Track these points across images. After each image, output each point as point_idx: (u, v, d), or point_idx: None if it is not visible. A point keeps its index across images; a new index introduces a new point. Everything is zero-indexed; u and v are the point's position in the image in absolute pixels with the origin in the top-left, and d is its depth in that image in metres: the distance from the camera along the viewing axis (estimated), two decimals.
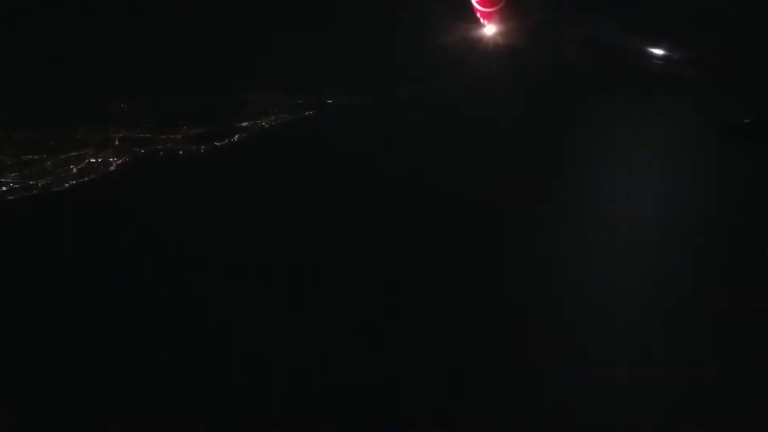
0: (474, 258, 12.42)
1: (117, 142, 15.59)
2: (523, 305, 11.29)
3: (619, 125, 13.49)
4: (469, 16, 10.88)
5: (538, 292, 11.51)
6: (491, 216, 13.18)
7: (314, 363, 10.27)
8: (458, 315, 11.22)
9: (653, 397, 9.44)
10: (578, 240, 12.33)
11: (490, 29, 10.99)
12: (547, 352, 10.35)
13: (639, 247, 12.04)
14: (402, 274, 12.19)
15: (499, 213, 13.21)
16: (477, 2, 10.44)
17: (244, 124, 16.57)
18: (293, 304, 11.65)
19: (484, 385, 9.84)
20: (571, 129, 14.02)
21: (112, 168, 15.81)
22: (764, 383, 9.33)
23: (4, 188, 14.40)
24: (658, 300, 11.06)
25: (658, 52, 10.52)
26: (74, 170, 15.62)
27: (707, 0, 9.52)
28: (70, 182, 15.17)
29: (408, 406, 9.47)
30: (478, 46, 11.02)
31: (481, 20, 10.85)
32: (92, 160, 15.84)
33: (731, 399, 9.27)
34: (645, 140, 13.23)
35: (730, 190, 12.44)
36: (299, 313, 11.36)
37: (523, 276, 11.95)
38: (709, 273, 11.41)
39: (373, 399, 9.62)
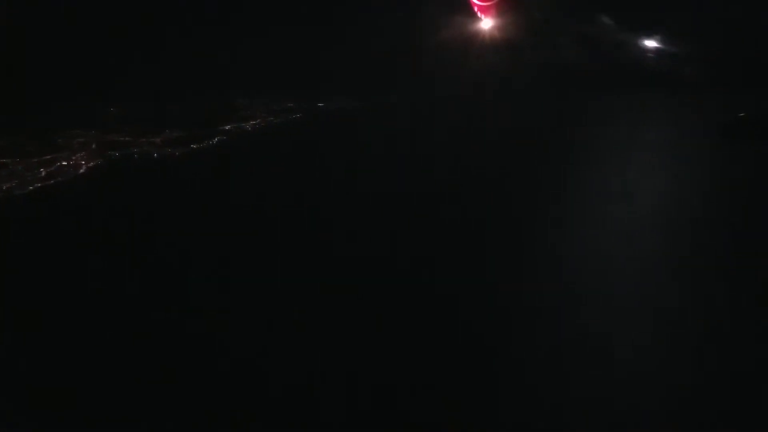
0: (473, 259, 12.82)
1: (94, 146, 15.99)
2: (523, 305, 11.66)
3: (617, 122, 14.24)
4: (467, 11, 11.73)
5: (536, 292, 11.90)
6: (489, 215, 13.67)
7: (308, 367, 10.45)
8: (457, 316, 11.53)
9: (653, 398, 9.80)
10: (576, 238, 12.83)
11: (487, 24, 11.83)
12: (546, 352, 10.68)
13: (637, 245, 12.56)
14: (400, 275, 12.52)
15: (497, 212, 13.71)
16: None
17: (227, 127, 17.10)
18: (278, 310, 11.86)
19: (483, 386, 10.11)
20: (568, 124, 14.70)
21: (81, 171, 16.13)
22: (764, 383, 9.75)
23: None
24: (658, 300, 11.50)
25: (656, 48, 11.39)
26: (43, 173, 15.91)
27: None
28: (35, 185, 15.42)
29: (407, 407, 9.69)
30: (476, 41, 11.80)
31: (479, 15, 11.69)
32: (63, 163, 16.18)
33: (731, 399, 9.66)
34: (643, 137, 13.97)
35: (729, 189, 13.13)
36: (289, 318, 11.60)
37: (522, 276, 12.35)
38: (708, 273, 11.94)
39: (372, 400, 9.82)
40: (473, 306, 11.75)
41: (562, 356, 10.67)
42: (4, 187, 15.38)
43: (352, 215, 14.09)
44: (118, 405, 9.77)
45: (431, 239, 13.33)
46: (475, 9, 11.38)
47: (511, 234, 13.23)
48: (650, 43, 10.95)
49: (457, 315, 11.56)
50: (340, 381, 10.18)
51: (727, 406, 9.60)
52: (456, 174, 14.48)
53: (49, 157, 15.77)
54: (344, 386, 10.04)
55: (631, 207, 13.23)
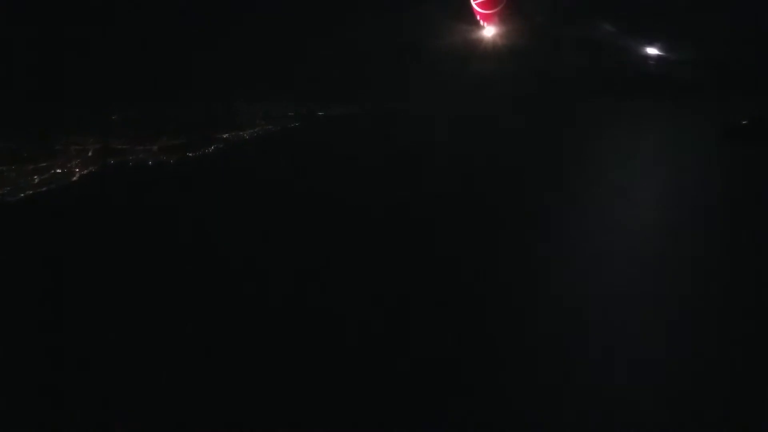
0: (474, 259, 13.08)
1: (90, 153, 16.17)
2: (524, 306, 11.91)
3: (619, 126, 14.62)
4: (470, 18, 12.10)
5: (538, 293, 12.15)
6: (491, 217, 13.95)
7: (311, 364, 10.62)
8: (457, 316, 11.77)
9: (653, 397, 10.00)
10: (578, 240, 13.13)
11: (489, 31, 12.20)
12: (547, 353, 10.90)
13: (639, 246, 12.88)
14: (400, 275, 12.74)
15: (499, 214, 13.99)
16: (477, 5, 11.67)
17: (225, 135, 17.35)
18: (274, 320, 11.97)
19: (483, 386, 10.30)
20: (570, 130, 15.09)
21: (74, 178, 16.25)
22: (764, 383, 10.00)
23: None
24: (659, 300, 11.79)
25: (656, 53, 11.82)
26: (36, 180, 16.02)
27: (706, 2, 10.82)
28: (26, 192, 15.55)
29: (407, 406, 9.84)
30: (478, 48, 12.16)
31: (481, 22, 12.05)
32: (58, 170, 16.30)
33: (731, 399, 9.89)
34: (645, 141, 14.35)
35: (729, 190, 13.49)
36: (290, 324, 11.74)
37: (523, 278, 12.63)
38: (709, 272, 12.27)
39: (372, 399, 9.96)
40: (475, 305, 12.02)
41: (563, 355, 10.92)
42: None
43: (350, 223, 14.30)
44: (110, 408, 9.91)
45: (433, 242, 13.59)
46: (478, 16, 11.73)
47: (514, 236, 13.53)
48: (651, 48, 11.38)
49: (458, 314, 11.83)
50: (344, 379, 10.38)
51: (726, 405, 9.87)
52: (458, 179, 14.78)
53: (44, 163, 15.91)
54: (348, 385, 10.25)
55: (634, 210, 13.57)
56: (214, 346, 11.34)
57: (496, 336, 11.34)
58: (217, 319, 12.00)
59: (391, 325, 11.64)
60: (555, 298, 11.95)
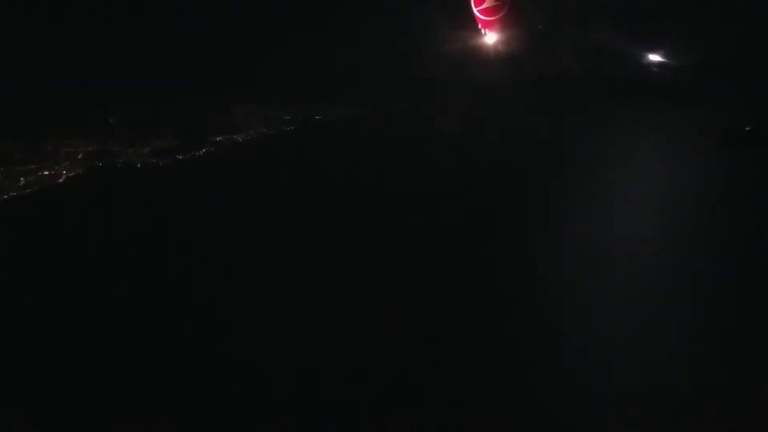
0: (473, 260, 13.34)
1: (80, 155, 16.24)
2: (523, 306, 12.17)
3: (620, 130, 15.08)
4: (471, 25, 12.43)
5: (538, 293, 12.42)
6: (491, 218, 14.29)
7: (312, 368, 10.76)
8: (457, 316, 11.98)
9: (653, 397, 10.34)
10: (578, 243, 13.46)
11: (491, 38, 12.54)
12: (546, 353, 11.16)
13: (639, 250, 13.24)
14: (400, 274, 12.98)
15: (500, 215, 14.34)
16: (479, 12, 12.00)
17: (218, 138, 17.49)
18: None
19: (483, 386, 10.51)
20: (571, 134, 15.50)
21: (60, 180, 16.29)
22: (764, 383, 10.41)
23: None
24: (659, 301, 12.15)
25: (657, 59, 12.26)
26: (22, 182, 16.01)
27: (706, 8, 11.27)
28: (10, 194, 15.59)
29: (407, 406, 10.01)
30: (480, 54, 12.49)
31: (483, 29, 12.39)
32: (45, 172, 16.28)
33: (731, 398, 10.27)
34: (645, 146, 14.81)
35: (730, 196, 13.94)
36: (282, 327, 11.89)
37: (523, 278, 12.90)
38: (709, 276, 12.66)
39: (371, 398, 10.12)
40: (475, 306, 12.29)
41: (563, 355, 11.23)
42: None
43: (349, 223, 14.47)
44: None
45: (433, 242, 13.84)
46: (479, 23, 12.07)
47: (514, 236, 13.85)
48: (652, 53, 11.78)
49: (459, 315, 12.07)
50: (343, 379, 10.56)
51: (726, 405, 10.26)
52: (458, 180, 15.06)
53: (33, 166, 15.94)
54: (348, 384, 10.42)
55: (635, 213, 13.94)
56: (207, 347, 11.39)
57: (496, 335, 11.57)
58: (207, 321, 12.07)
59: (390, 325, 11.83)
60: (555, 298, 12.24)
